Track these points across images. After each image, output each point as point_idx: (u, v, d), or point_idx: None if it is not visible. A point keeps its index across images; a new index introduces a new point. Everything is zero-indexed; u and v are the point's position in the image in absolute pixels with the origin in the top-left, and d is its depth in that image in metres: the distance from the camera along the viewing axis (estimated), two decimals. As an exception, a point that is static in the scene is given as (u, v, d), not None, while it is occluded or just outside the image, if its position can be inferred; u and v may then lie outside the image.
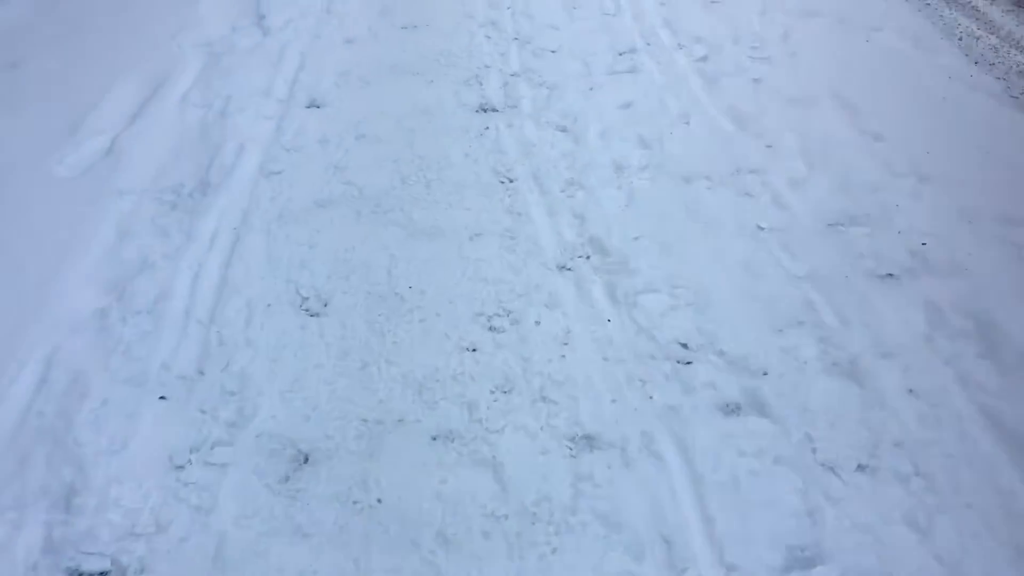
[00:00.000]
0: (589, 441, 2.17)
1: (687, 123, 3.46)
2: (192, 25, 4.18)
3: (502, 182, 3.16)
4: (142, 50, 3.95)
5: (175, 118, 3.48)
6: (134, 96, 3.61)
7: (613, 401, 2.27)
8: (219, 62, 3.90)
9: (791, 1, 4.32)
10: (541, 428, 2.20)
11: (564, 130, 3.45)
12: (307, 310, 2.59)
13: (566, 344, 2.45)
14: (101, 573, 1.88)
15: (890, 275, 2.67)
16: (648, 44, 4.04)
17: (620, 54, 3.98)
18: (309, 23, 4.28)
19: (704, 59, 3.89)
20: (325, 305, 2.61)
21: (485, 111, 3.60)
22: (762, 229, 2.87)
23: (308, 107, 3.64)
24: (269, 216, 2.97)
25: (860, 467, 2.07)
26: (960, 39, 4.09)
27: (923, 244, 2.75)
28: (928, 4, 4.44)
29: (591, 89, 3.70)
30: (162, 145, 3.31)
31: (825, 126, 3.39)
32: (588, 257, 2.78)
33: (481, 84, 3.78)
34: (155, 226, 2.89)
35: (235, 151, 3.30)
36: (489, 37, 4.15)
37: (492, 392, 2.31)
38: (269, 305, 2.59)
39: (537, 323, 2.52)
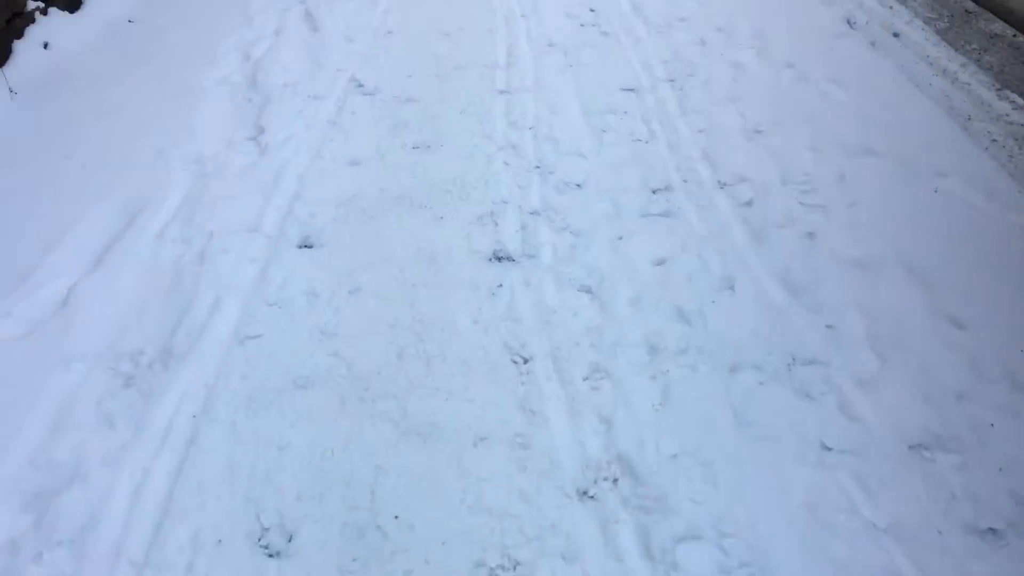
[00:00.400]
0: None
1: (731, 289, 2.99)
2: (184, 138, 3.82)
3: (515, 362, 2.69)
4: (125, 167, 3.58)
5: (148, 260, 3.06)
6: (106, 228, 3.21)
7: None
8: (207, 186, 3.50)
9: (845, 135, 3.89)
10: None
11: (589, 292, 2.99)
12: (266, 547, 2.10)
13: (587, 624, 1.93)
14: None
15: (992, 531, 2.14)
16: (685, 181, 3.61)
17: (654, 192, 3.55)
18: (312, 138, 3.90)
19: (749, 204, 3.44)
20: (289, 540, 2.11)
21: (500, 260, 3.16)
22: (829, 450, 2.36)
23: (300, 247, 3.22)
24: (237, 401, 2.51)
25: None
26: (1037, 186, 3.63)
27: (1033, 490, 2.23)
28: (995, 140, 3.99)
29: (621, 238, 3.26)
30: (128, 296, 2.89)
31: (895, 302, 2.90)
32: (615, 481, 2.28)
33: (496, 224, 3.35)
34: (100, 412, 2.43)
35: (210, 306, 2.86)
36: (508, 164, 3.74)
37: None
38: (220, 541, 2.10)
39: (551, 585, 2.01)
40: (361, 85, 4.40)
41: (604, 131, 3.99)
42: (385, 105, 4.22)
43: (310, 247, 3.22)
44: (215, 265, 3.05)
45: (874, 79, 4.36)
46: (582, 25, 5.06)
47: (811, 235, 3.26)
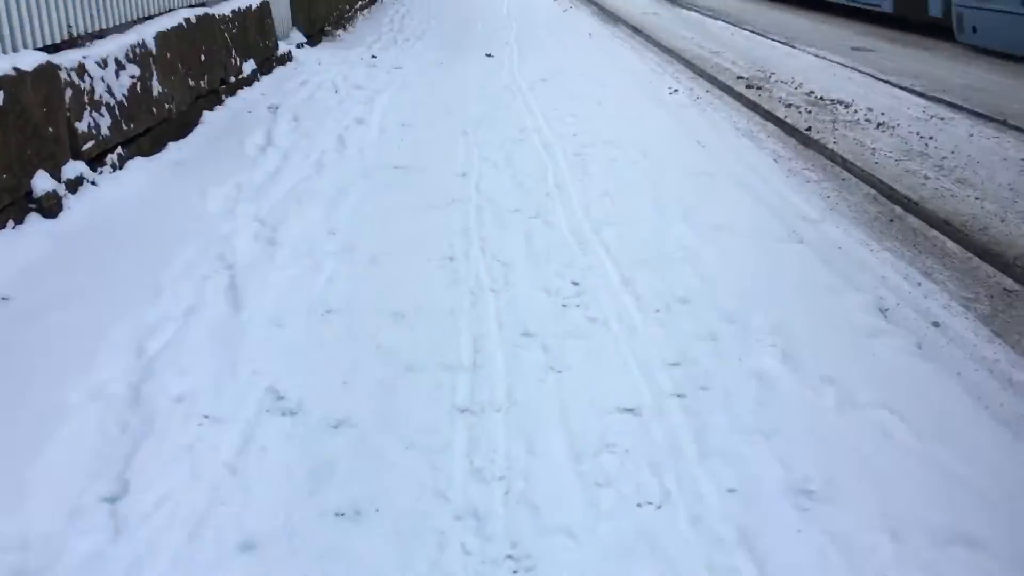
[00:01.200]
0: None
1: None
2: (11, 506, 2.72)
3: None
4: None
5: None
6: None
7: None
8: (12, 610, 2.32)
9: (926, 506, 2.87)
10: None
11: None
12: None
13: None
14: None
15: None
16: (720, 591, 2.52)
17: (677, 612, 2.43)
18: (196, 500, 2.80)
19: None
20: None
21: None
22: None
23: None
24: None
25: None
26: None
27: None
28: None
29: None
30: None
31: None
32: None
33: None
34: None
35: None
36: (467, 551, 2.65)
37: None
38: None
39: None
40: (281, 398, 3.39)
41: (599, 486, 2.95)
42: (308, 434, 3.19)
43: None
44: None
45: (937, 403, 3.46)
46: (564, 306, 4.22)
47: None
